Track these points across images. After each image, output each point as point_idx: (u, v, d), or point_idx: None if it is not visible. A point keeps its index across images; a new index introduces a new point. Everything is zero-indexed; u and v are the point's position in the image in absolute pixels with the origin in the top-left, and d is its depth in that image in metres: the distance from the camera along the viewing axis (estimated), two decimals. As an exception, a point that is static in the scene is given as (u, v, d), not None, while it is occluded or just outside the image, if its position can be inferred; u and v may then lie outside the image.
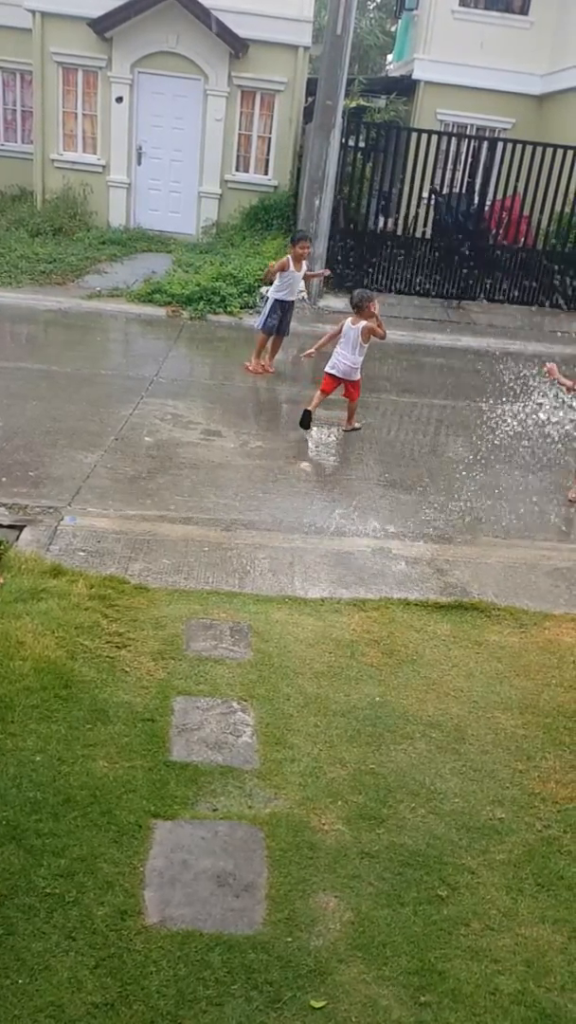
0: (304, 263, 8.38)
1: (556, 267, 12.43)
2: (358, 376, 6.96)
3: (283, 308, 8.35)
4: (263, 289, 8.52)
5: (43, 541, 4.53)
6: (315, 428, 7.37)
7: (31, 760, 2.88)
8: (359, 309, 6.85)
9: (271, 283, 8.46)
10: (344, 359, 6.83)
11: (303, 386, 8.34)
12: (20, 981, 2.16)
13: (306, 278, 8.67)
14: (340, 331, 6.88)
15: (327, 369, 6.94)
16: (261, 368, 8.57)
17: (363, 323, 6.77)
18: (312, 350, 7.24)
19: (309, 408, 6.94)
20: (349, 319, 6.91)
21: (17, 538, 4.55)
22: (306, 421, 6.91)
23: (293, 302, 8.49)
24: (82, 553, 4.45)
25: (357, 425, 7.16)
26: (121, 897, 2.42)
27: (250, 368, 8.55)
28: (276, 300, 8.29)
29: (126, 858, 2.55)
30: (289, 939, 2.35)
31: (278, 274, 8.25)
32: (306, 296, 11.34)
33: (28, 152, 15.04)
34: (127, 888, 2.45)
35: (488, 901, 2.55)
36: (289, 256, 8.27)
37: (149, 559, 4.46)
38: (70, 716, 3.12)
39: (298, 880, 2.55)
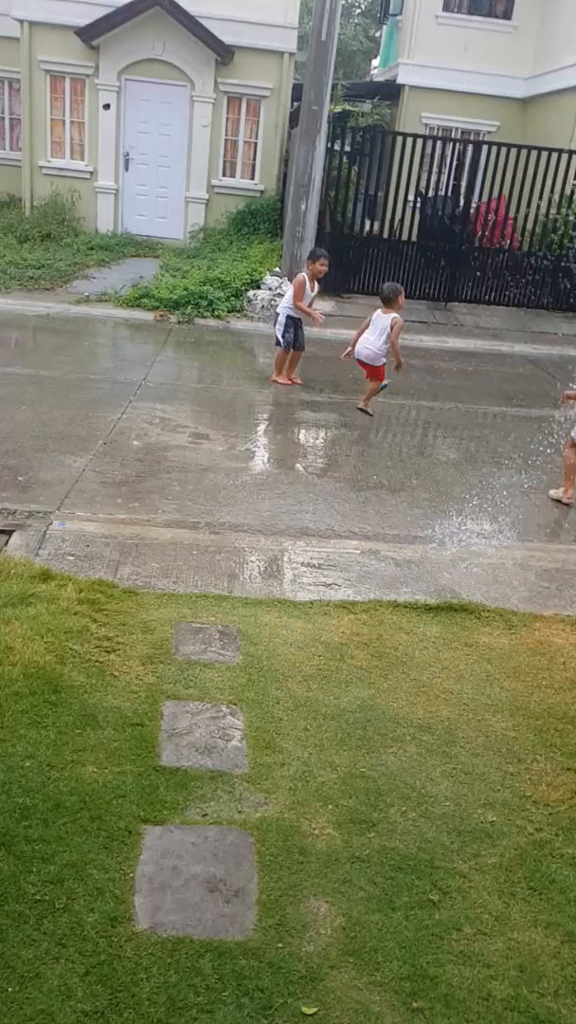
0: (317, 282, 8.26)
1: (541, 268, 12.49)
2: (381, 363, 7.32)
3: (296, 324, 8.27)
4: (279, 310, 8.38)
5: (32, 546, 4.51)
6: (306, 430, 7.39)
7: (20, 766, 2.86)
8: (389, 301, 7.24)
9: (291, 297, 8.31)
10: (369, 345, 7.26)
11: (290, 390, 8.34)
12: (10, 989, 2.14)
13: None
14: (368, 323, 7.33)
15: (355, 356, 7.40)
16: (289, 380, 8.46)
17: (393, 314, 7.19)
18: (350, 349, 7.47)
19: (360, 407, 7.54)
20: (380, 309, 7.32)
21: (6, 543, 4.53)
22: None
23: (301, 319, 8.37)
24: (71, 557, 4.43)
25: (370, 411, 7.48)
26: (111, 903, 2.40)
27: (281, 381, 8.42)
28: (288, 316, 8.19)
29: (116, 864, 2.53)
30: (280, 945, 2.34)
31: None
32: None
33: (16, 159, 15.03)
34: (117, 894, 2.43)
35: (480, 905, 2.54)
36: (304, 274, 8.16)
37: (138, 563, 4.44)
38: (59, 721, 3.10)
39: (289, 885, 2.53)
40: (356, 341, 7.39)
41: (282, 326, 8.24)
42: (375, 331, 7.26)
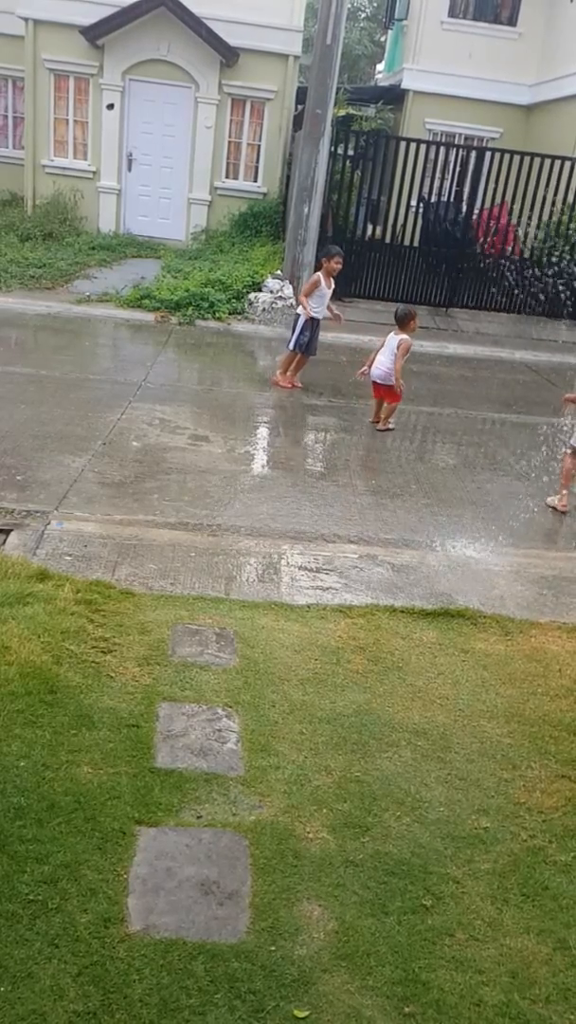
0: (332, 279, 8.23)
1: (542, 275, 12.52)
2: (393, 382, 7.36)
3: (313, 325, 8.22)
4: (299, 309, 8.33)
5: (30, 545, 4.51)
6: (305, 434, 7.41)
7: (15, 766, 2.86)
8: (401, 323, 7.36)
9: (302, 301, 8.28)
10: (381, 365, 7.38)
11: (290, 393, 8.35)
12: (2, 989, 2.14)
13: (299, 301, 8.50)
14: (383, 344, 7.43)
15: (371, 377, 7.48)
16: (290, 384, 8.42)
17: (403, 336, 7.29)
18: (366, 368, 7.51)
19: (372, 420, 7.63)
20: (393, 331, 7.40)
21: (3, 542, 4.53)
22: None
23: (320, 320, 8.32)
24: (68, 558, 4.43)
25: (391, 425, 7.54)
26: (104, 904, 2.40)
27: (281, 383, 8.40)
28: (311, 317, 8.13)
29: (110, 865, 2.53)
30: (273, 948, 2.34)
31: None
32: (294, 303, 11.38)
33: (19, 158, 15.03)
34: (111, 895, 2.43)
35: (473, 911, 2.55)
36: (320, 273, 8.13)
37: (135, 564, 4.44)
38: (55, 721, 3.10)
39: (282, 888, 2.53)
40: (372, 363, 7.45)
41: (299, 327, 8.19)
42: (387, 352, 7.34)
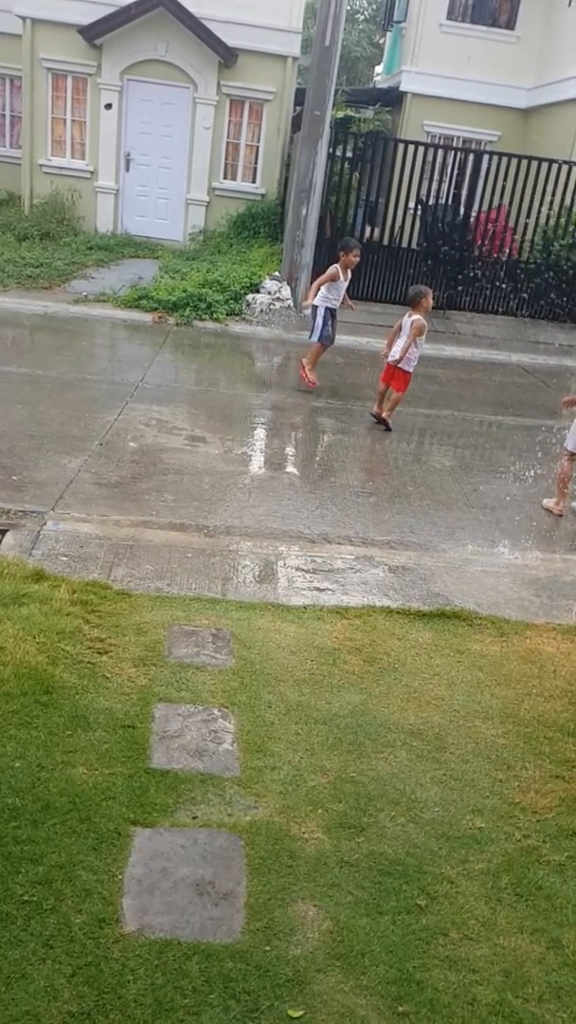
0: (349, 271, 8.32)
1: (539, 279, 12.55)
2: (410, 368, 7.47)
3: (333, 316, 8.33)
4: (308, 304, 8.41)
5: (25, 546, 4.51)
6: (302, 435, 7.41)
7: (10, 766, 2.86)
8: (414, 303, 7.43)
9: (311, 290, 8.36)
10: (401, 350, 7.44)
11: (288, 393, 8.37)
12: (-5, 990, 2.14)
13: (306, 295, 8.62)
14: (399, 327, 7.50)
15: (390, 359, 7.52)
16: (312, 382, 8.45)
17: (415, 316, 7.37)
18: (385, 351, 7.58)
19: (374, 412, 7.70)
20: (407, 313, 7.47)
21: (-1, 543, 4.53)
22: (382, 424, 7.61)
23: (336, 311, 8.42)
24: (64, 558, 4.43)
25: (389, 424, 7.57)
26: (99, 905, 2.40)
27: (311, 379, 8.38)
28: (327, 308, 8.24)
29: (105, 866, 2.53)
30: (268, 948, 2.35)
31: (327, 284, 8.18)
32: (292, 304, 11.40)
33: (16, 157, 15.03)
34: (105, 896, 2.43)
35: (467, 911, 2.55)
36: (338, 265, 8.19)
37: (132, 564, 4.45)
38: (50, 722, 3.10)
39: (277, 889, 2.54)
40: (390, 345, 7.52)
41: (321, 319, 8.26)
42: (404, 336, 7.47)
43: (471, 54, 15.49)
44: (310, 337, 8.51)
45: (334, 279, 8.16)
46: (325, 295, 8.23)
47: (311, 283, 11.56)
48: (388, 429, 7.51)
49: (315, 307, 8.33)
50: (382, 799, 2.96)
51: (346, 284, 8.33)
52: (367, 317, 11.34)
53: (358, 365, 9.94)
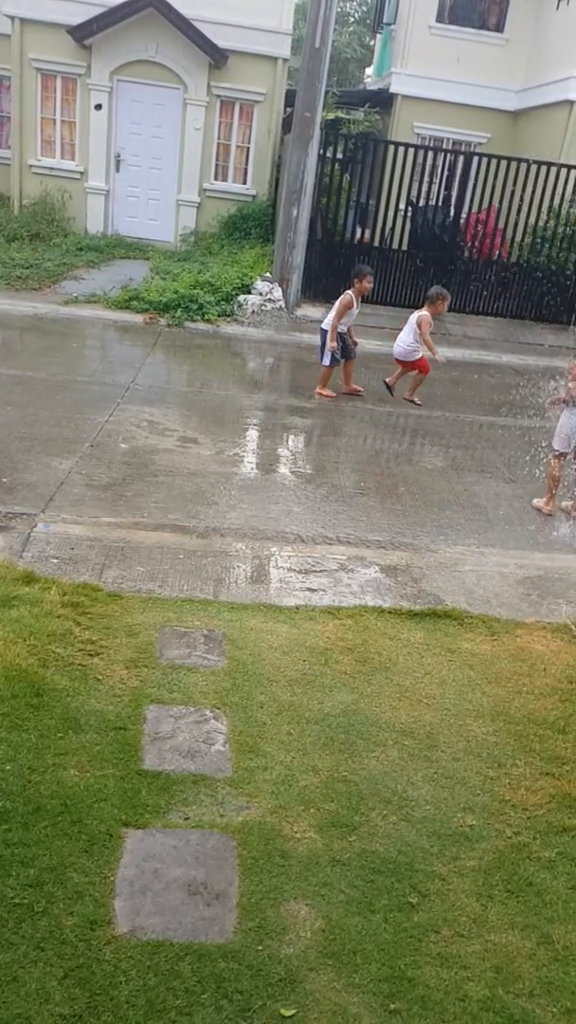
0: (361, 300, 8.32)
1: (529, 280, 12.59)
2: (415, 358, 8.19)
3: (341, 337, 8.26)
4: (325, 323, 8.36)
5: (16, 548, 4.50)
6: (294, 436, 7.43)
7: (1, 769, 2.85)
8: (432, 302, 8.08)
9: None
10: (399, 342, 8.17)
11: (280, 395, 8.37)
12: (-13, 993, 2.14)
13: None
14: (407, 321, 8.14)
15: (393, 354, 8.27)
16: (351, 389, 8.53)
17: (421, 312, 8.00)
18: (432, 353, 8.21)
19: (387, 380, 8.47)
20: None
21: (-11, 545, 4.51)
22: (389, 391, 8.46)
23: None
24: (55, 560, 4.42)
25: (417, 400, 8.41)
26: (91, 907, 2.40)
27: (326, 394, 8.36)
28: (338, 332, 8.17)
29: (96, 867, 2.53)
30: (260, 947, 2.35)
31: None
32: (284, 305, 11.40)
33: (5, 157, 14.98)
34: (97, 898, 2.43)
35: (458, 908, 2.56)
36: (352, 292, 8.12)
37: (123, 566, 4.44)
38: (41, 724, 3.09)
39: (269, 888, 2.54)
40: (430, 347, 8.02)
41: (327, 343, 8.13)
42: (407, 329, 8.01)
43: (460, 56, 15.54)
44: (320, 360, 8.44)
45: (349, 307, 8.10)
46: (334, 320, 8.11)
47: (301, 284, 11.65)
48: (417, 404, 8.34)
49: (324, 330, 8.23)
50: (374, 798, 2.96)
51: (357, 311, 8.29)
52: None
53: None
